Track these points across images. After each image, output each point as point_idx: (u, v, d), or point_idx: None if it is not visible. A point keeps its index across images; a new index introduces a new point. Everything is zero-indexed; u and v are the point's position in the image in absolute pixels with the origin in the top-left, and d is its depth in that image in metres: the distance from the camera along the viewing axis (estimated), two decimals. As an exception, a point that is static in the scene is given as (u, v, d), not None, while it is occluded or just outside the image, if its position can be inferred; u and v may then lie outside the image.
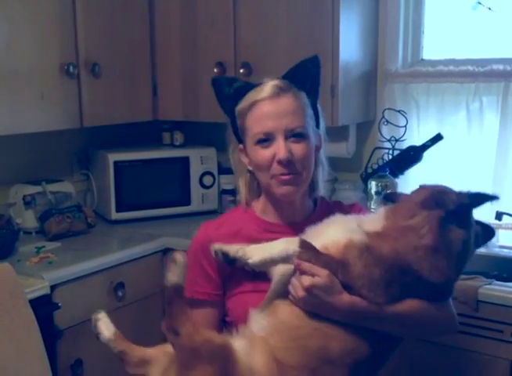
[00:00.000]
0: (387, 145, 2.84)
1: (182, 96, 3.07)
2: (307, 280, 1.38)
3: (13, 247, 2.57)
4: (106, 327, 1.52)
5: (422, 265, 1.39)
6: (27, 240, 2.75)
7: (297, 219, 1.66)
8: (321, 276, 1.38)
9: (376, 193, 2.70)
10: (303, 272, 1.40)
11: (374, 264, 1.37)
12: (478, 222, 1.53)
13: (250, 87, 1.63)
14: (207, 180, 3.17)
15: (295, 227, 1.62)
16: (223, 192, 3.17)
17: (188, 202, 3.15)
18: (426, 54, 2.94)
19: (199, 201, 3.15)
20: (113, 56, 2.91)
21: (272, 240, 1.54)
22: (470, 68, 2.68)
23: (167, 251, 2.75)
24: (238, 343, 1.45)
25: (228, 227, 1.68)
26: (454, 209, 1.43)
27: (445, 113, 2.79)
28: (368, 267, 1.37)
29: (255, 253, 1.39)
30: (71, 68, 2.68)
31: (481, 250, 2.61)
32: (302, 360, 1.40)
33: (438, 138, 2.69)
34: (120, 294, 2.54)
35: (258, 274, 1.51)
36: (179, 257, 1.41)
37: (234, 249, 1.45)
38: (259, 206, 1.70)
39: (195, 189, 3.15)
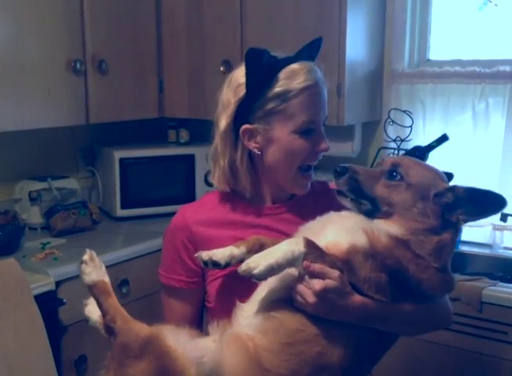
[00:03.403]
0: (393, 145, 2.84)
1: (187, 94, 3.08)
2: (318, 284, 1.29)
3: (19, 243, 2.58)
4: (94, 310, 1.50)
5: (432, 283, 1.38)
6: (32, 235, 2.76)
7: (281, 200, 1.60)
8: (332, 277, 1.30)
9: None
10: (313, 275, 1.31)
11: (380, 270, 1.33)
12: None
13: (285, 62, 1.51)
14: (212, 178, 3.17)
15: (278, 208, 1.58)
16: (228, 190, 3.17)
17: (193, 199, 3.13)
18: (432, 54, 2.94)
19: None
20: (119, 53, 2.91)
21: (251, 223, 1.52)
22: (477, 69, 2.68)
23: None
24: (206, 340, 1.40)
25: (206, 211, 1.59)
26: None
27: (450, 114, 2.79)
28: (374, 272, 1.33)
29: (259, 262, 1.27)
30: (78, 65, 2.69)
31: (486, 251, 2.66)
32: (295, 367, 1.32)
33: (443, 139, 2.69)
34: (124, 291, 2.55)
35: None
36: (85, 256, 1.42)
37: (225, 257, 1.39)
38: (245, 190, 1.60)
39: (200, 187, 3.16)
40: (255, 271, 1.26)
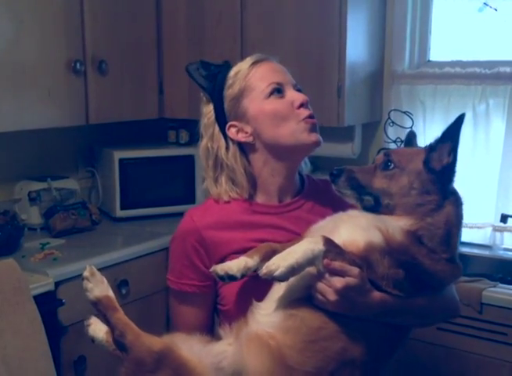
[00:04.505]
0: (393, 146, 2.83)
1: (187, 94, 3.07)
2: (340, 282, 1.30)
3: (18, 244, 2.57)
4: (98, 329, 1.48)
5: (444, 274, 1.40)
6: (31, 236, 2.75)
7: (287, 198, 1.61)
8: (353, 275, 1.30)
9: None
10: (333, 273, 1.31)
11: (397, 266, 1.35)
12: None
13: (229, 65, 1.64)
14: (212, 179, 3.17)
15: (285, 206, 1.59)
16: (228, 191, 3.17)
17: (193, 200, 3.14)
18: (433, 55, 2.93)
19: (203, 200, 3.14)
20: (119, 54, 2.91)
21: (260, 223, 1.53)
22: (477, 70, 2.68)
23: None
24: (221, 344, 1.39)
25: (214, 213, 1.60)
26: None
27: (451, 115, 2.77)
28: (391, 268, 1.34)
29: (279, 264, 1.27)
30: (78, 65, 2.68)
31: (486, 252, 2.66)
32: (320, 363, 1.33)
33: (443, 139, 2.68)
34: (123, 291, 2.54)
35: None
36: (86, 272, 1.40)
37: (241, 269, 1.38)
38: (249, 191, 1.62)
39: (200, 188, 3.13)
40: (276, 273, 1.26)
